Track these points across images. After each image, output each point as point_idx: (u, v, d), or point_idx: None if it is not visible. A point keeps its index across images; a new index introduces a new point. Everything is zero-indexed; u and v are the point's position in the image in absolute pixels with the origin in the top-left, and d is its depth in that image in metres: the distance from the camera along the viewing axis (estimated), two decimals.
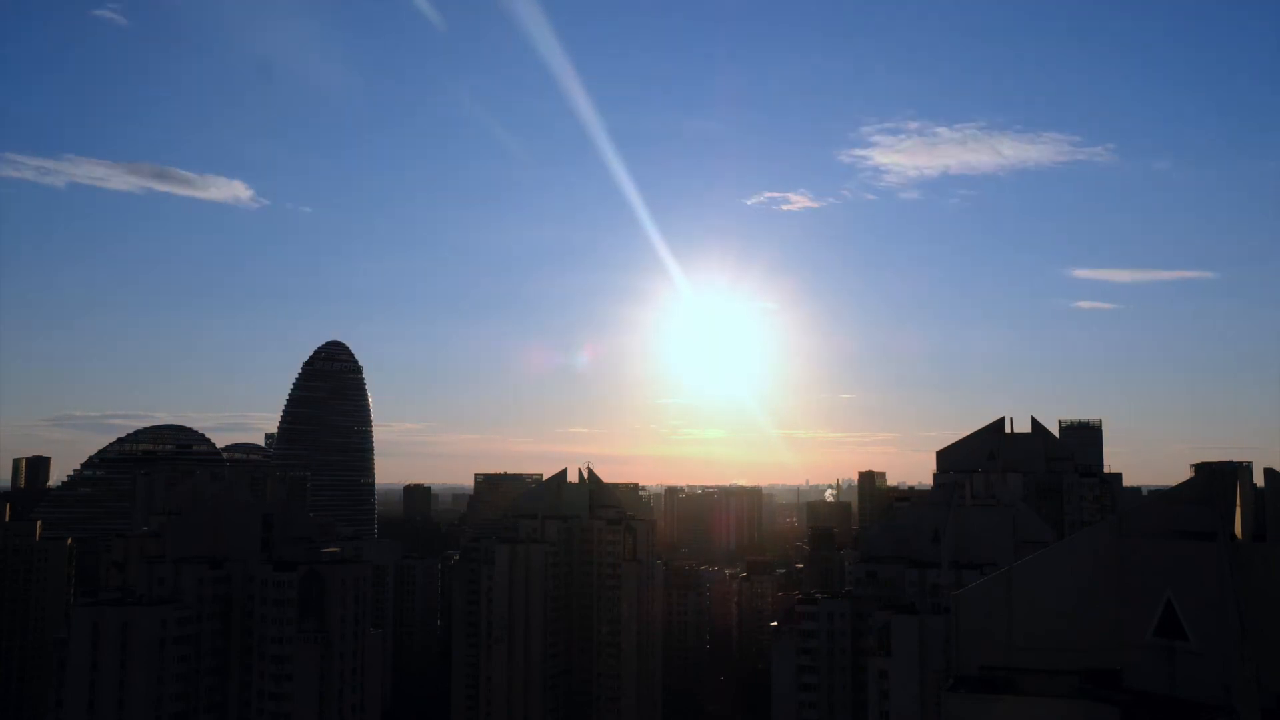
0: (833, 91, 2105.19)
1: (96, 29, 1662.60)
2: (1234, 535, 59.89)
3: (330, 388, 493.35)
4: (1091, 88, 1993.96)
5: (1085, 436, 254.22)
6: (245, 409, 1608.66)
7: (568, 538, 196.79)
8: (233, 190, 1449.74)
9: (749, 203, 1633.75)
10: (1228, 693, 50.83)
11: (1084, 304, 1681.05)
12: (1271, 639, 52.54)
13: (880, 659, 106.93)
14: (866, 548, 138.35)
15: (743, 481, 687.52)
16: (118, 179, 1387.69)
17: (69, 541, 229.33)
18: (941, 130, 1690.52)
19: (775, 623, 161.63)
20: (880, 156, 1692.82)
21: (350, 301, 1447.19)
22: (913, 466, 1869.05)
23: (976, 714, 54.84)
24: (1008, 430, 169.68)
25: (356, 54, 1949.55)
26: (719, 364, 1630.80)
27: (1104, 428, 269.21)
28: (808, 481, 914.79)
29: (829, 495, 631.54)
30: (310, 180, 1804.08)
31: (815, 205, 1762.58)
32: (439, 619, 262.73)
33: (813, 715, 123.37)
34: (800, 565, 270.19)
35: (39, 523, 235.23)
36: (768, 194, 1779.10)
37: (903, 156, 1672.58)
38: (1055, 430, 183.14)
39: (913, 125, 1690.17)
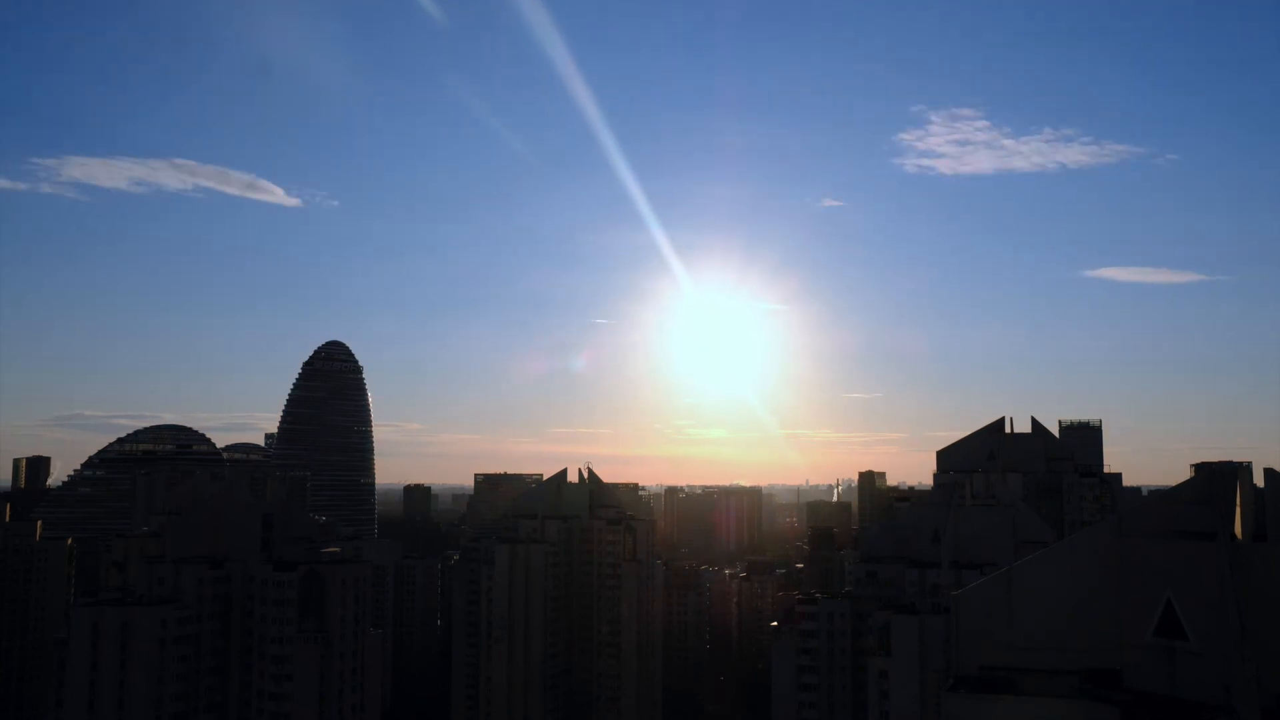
0: (859, 92, 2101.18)
1: (97, 27, 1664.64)
2: (1234, 535, 59.84)
3: (330, 388, 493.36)
4: (1160, 98, 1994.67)
5: (1085, 436, 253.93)
6: (245, 409, 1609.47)
7: (568, 538, 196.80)
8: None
9: (824, 205, 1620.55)
10: (1228, 693, 50.83)
11: (1092, 304, 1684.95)
12: (1271, 639, 52.54)
13: (880, 659, 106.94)
14: (866, 548, 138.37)
15: (743, 481, 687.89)
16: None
17: (69, 541, 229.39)
18: (1008, 143, 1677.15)
19: (775, 623, 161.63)
20: (920, 160, 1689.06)
21: (350, 301, 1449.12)
22: (918, 466, 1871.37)
23: (976, 714, 54.87)
24: (1008, 430, 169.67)
25: (357, 51, 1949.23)
26: (723, 363, 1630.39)
27: (1104, 428, 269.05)
28: (808, 481, 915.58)
29: (838, 491, 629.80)
30: (310, 179, 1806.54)
31: (836, 205, 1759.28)
32: (439, 619, 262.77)
33: (813, 715, 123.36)
34: (800, 565, 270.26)
35: (39, 523, 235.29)
36: (828, 201, 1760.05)
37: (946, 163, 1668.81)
38: (1055, 430, 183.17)
39: (981, 137, 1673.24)
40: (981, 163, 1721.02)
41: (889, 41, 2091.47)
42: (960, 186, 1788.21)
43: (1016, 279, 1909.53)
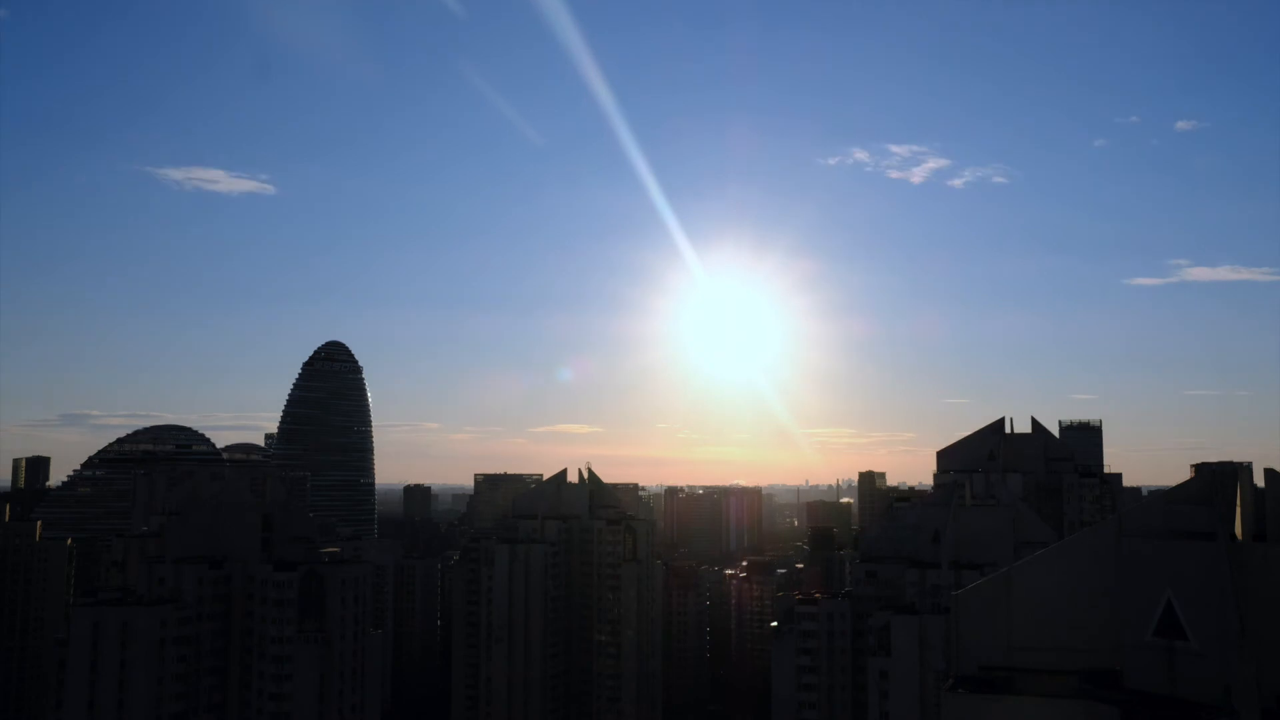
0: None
1: (98, 25, 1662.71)
2: (1234, 535, 59.83)
3: (330, 388, 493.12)
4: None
5: (1085, 436, 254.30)
6: (245, 409, 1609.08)
7: (568, 538, 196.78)
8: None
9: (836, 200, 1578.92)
10: (1228, 693, 50.80)
11: (1097, 304, 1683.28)
12: (1271, 639, 52.50)
13: (880, 659, 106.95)
14: (866, 548, 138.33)
15: (743, 481, 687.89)
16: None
17: (69, 541, 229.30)
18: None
19: (775, 623, 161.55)
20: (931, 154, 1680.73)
21: (350, 301, 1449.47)
22: (928, 467, 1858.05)
23: (976, 714, 54.84)
24: (1008, 430, 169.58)
25: (366, 43, 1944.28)
26: (732, 361, 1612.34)
27: (1104, 428, 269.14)
28: (808, 481, 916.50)
29: (840, 488, 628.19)
30: (314, 177, 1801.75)
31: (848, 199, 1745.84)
32: (439, 619, 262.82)
33: (813, 715, 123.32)
34: (800, 565, 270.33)
35: (39, 523, 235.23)
36: (842, 194, 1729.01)
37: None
38: (1055, 430, 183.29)
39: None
40: (992, 162, 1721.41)
41: (902, 37, 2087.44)
42: (972, 183, 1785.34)
43: (1025, 276, 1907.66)
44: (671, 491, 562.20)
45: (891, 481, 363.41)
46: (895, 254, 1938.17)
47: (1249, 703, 49.64)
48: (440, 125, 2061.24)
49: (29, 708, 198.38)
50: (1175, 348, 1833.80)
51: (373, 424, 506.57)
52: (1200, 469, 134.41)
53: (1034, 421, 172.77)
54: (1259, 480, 65.41)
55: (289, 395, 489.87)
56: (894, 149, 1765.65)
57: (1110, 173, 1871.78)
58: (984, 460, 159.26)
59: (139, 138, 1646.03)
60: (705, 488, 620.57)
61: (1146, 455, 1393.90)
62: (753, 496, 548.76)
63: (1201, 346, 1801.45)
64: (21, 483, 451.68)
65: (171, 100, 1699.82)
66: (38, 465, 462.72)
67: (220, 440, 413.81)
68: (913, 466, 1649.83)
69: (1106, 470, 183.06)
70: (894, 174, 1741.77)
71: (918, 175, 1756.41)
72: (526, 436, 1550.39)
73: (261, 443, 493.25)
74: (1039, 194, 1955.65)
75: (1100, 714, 51.84)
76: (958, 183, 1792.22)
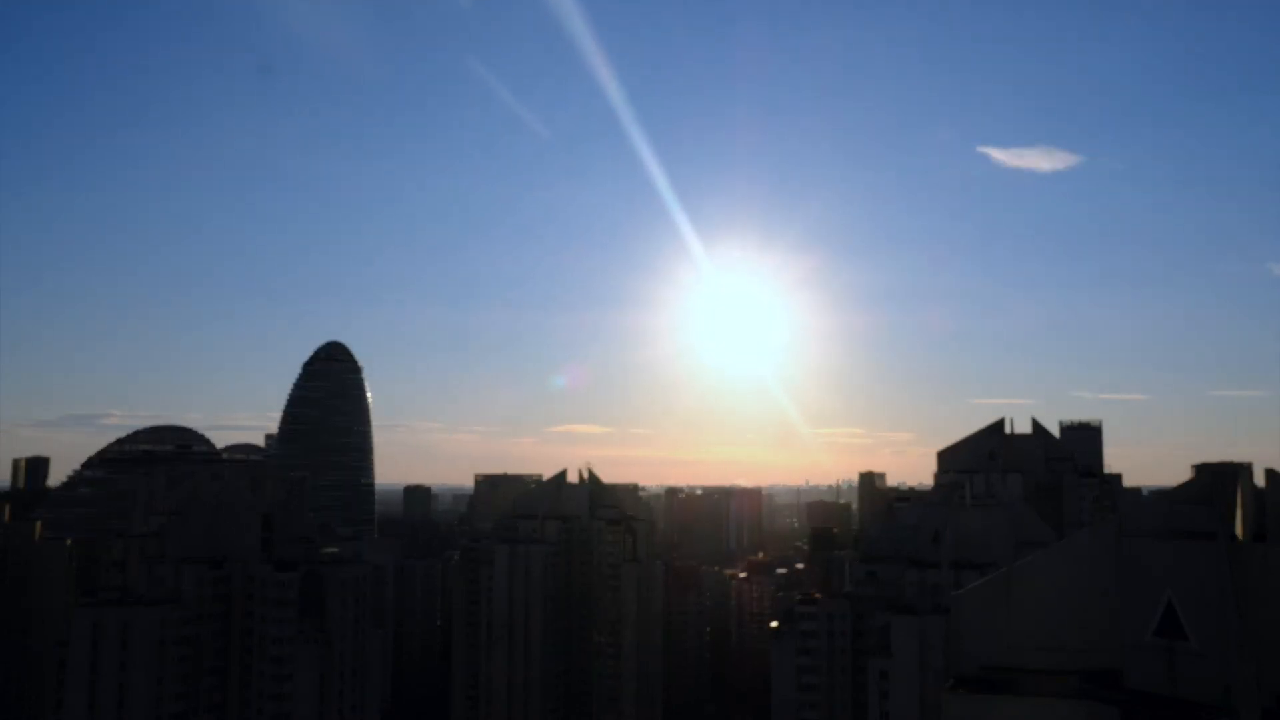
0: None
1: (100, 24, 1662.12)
2: (1234, 535, 59.83)
3: (330, 388, 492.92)
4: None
5: (1085, 436, 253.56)
6: (245, 409, 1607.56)
7: (568, 538, 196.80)
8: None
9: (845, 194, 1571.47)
10: (1228, 693, 50.81)
11: (1096, 303, 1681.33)
12: (1271, 639, 52.51)
13: (880, 659, 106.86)
14: (866, 548, 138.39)
15: (743, 481, 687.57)
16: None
17: (69, 542, 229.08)
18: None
19: (775, 623, 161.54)
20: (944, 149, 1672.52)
21: (351, 301, 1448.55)
22: (925, 467, 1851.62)
23: (976, 714, 54.90)
24: (1008, 431, 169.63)
25: (371, 38, 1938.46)
26: (738, 360, 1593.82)
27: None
28: (808, 481, 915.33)
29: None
30: (316, 174, 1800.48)
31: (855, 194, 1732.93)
32: (439, 619, 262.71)
33: (813, 715, 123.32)
34: (800, 565, 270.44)
35: (39, 523, 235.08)
36: (850, 189, 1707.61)
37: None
38: (1056, 431, 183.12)
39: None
40: (1000, 157, 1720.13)
41: (909, 33, 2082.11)
42: (977, 179, 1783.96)
43: (1030, 273, 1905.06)
44: (672, 491, 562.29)
45: (891, 481, 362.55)
46: (901, 249, 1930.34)
47: (1249, 703, 49.66)
48: (446, 120, 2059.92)
49: (29, 708, 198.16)
50: (1177, 347, 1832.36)
51: (373, 424, 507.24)
52: (1200, 469, 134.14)
53: (1034, 422, 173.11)
54: (1259, 480, 65.45)
55: (289, 395, 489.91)
56: (897, 146, 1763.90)
57: (1110, 170, 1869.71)
58: (984, 460, 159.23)
59: (142, 138, 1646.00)
60: (705, 488, 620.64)
61: (1147, 455, 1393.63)
62: (753, 497, 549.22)
63: (1204, 346, 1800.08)
64: (21, 483, 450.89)
65: (173, 100, 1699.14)
66: (38, 465, 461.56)
67: (220, 440, 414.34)
68: (914, 466, 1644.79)
69: (1106, 470, 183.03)
70: (898, 168, 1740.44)
71: (920, 171, 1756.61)
72: (536, 436, 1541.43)
73: (261, 443, 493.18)
74: (1043, 192, 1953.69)
75: (1100, 714, 51.88)
76: (964, 177, 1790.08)
